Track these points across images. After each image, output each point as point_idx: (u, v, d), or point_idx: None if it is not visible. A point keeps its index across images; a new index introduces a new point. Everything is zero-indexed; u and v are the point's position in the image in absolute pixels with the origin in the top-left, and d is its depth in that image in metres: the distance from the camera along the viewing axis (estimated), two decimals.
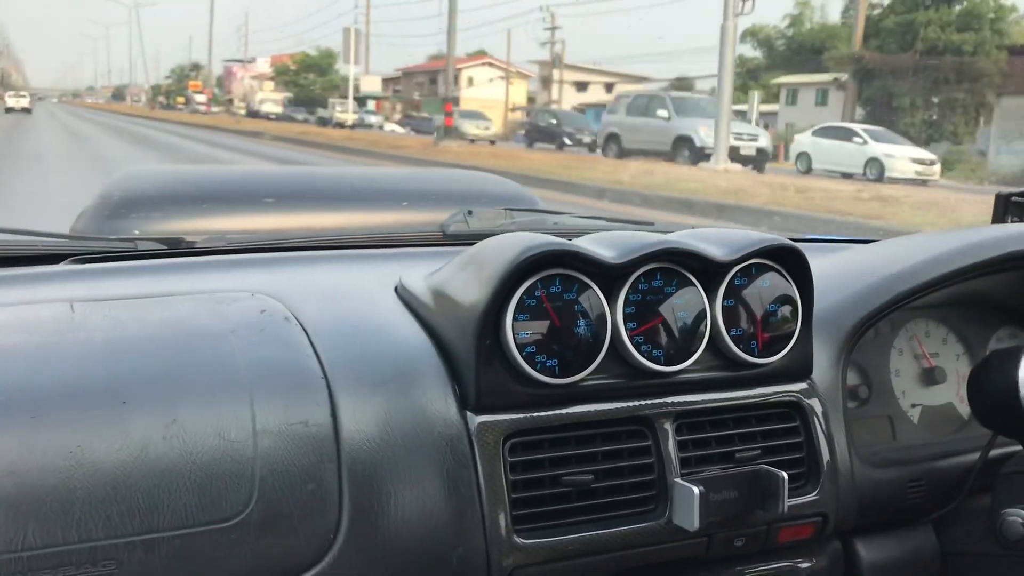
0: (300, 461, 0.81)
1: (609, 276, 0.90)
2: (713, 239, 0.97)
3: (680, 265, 0.94)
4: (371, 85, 58.16)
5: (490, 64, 61.70)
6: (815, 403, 1.02)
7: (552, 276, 0.88)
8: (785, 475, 0.91)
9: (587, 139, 24.96)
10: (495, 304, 0.86)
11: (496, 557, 0.86)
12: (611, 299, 0.91)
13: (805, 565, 1.05)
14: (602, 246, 0.92)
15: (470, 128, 31.73)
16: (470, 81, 61.48)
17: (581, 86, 58.00)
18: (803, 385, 1.02)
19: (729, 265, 0.95)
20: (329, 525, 0.81)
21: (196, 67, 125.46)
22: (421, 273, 0.99)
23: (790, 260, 0.99)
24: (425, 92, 60.97)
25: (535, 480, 0.88)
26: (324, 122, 44.71)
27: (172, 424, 0.78)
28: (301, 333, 0.90)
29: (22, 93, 51.33)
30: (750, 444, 0.98)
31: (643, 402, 0.94)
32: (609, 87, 58.08)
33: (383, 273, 1.05)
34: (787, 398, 1.01)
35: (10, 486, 0.71)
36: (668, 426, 0.94)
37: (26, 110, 43.13)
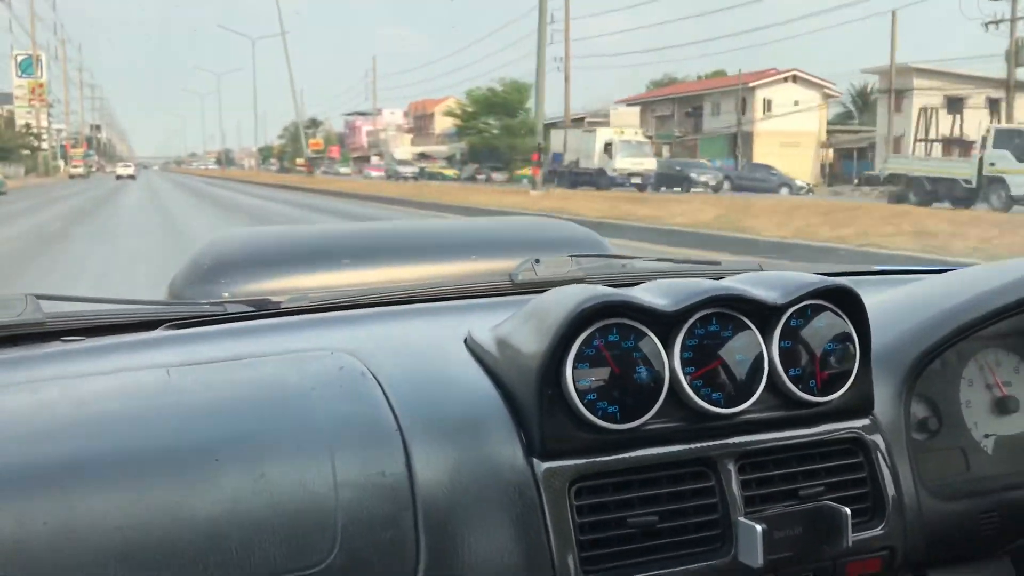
0: (379, 510, 0.87)
1: (665, 323, 0.96)
2: (767, 283, 1.02)
3: (735, 310, 0.98)
4: (625, 119, 31.79)
5: (797, 78, 35.90)
6: (877, 438, 1.06)
7: (609, 326, 0.94)
8: (848, 510, 0.95)
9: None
10: (555, 354, 0.92)
11: None
12: (668, 345, 0.96)
13: None
14: (657, 295, 0.98)
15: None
16: (767, 105, 35.77)
17: (953, 103, 29.78)
18: (865, 421, 1.06)
19: (783, 308, 1.00)
20: (407, 569, 0.87)
21: (314, 123, 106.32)
22: (489, 325, 1.07)
23: (844, 300, 1.03)
24: (686, 126, 33.51)
25: (601, 522, 0.93)
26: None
27: (260, 479, 0.86)
28: (376, 387, 0.97)
29: (128, 164, 70.24)
30: (813, 481, 1.01)
31: (705, 444, 0.98)
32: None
33: (454, 325, 1.14)
34: (849, 434, 1.05)
35: (118, 540, 0.80)
36: (731, 466, 0.98)
37: (132, 177, 57.68)
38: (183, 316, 1.27)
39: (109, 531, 0.80)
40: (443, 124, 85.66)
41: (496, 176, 48.49)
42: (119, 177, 56.83)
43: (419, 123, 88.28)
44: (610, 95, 62.00)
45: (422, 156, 59.48)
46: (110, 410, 0.94)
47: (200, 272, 1.52)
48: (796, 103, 39.41)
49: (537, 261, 1.47)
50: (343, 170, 74.15)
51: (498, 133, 51.59)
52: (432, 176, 47.93)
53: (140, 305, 1.32)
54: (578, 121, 41.09)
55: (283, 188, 35.37)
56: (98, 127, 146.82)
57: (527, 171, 48.60)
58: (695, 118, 40.39)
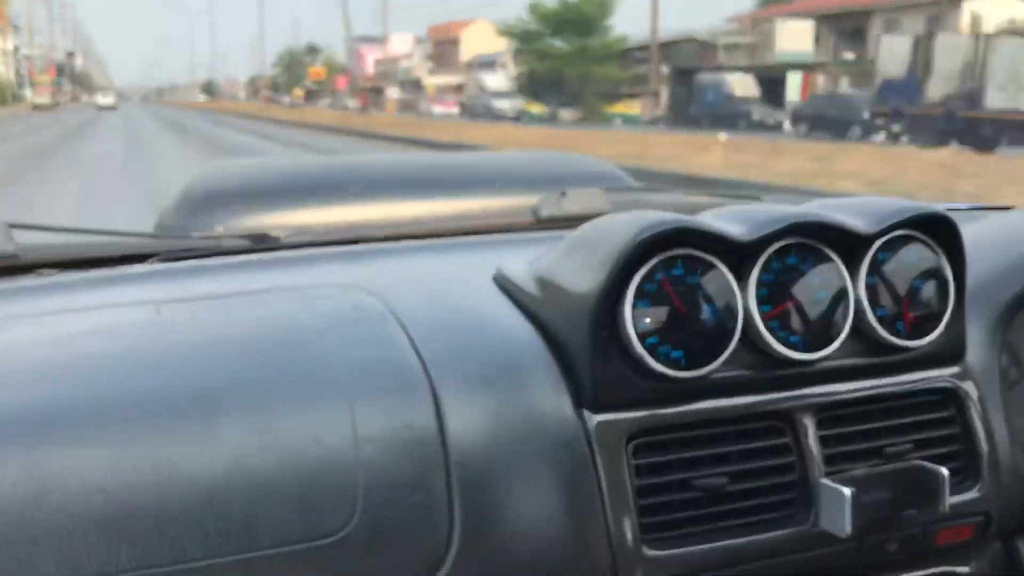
0: (406, 469, 0.79)
1: (738, 255, 0.90)
2: (852, 209, 0.96)
3: (818, 240, 0.93)
4: (796, 38, 16.92)
5: None
6: (970, 388, 1.01)
7: (674, 257, 0.87)
8: (946, 472, 0.91)
9: None
10: (611, 291, 0.85)
11: (624, 571, 0.84)
12: (741, 281, 0.90)
13: (963, 570, 1.03)
14: (729, 221, 0.91)
15: None
16: (976, 23, 22.82)
17: None
18: (956, 369, 1.01)
19: (873, 238, 0.94)
20: (440, 539, 0.79)
21: (313, 50, 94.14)
22: (521, 261, 1.02)
23: (940, 230, 0.97)
24: (842, 52, 18.96)
25: (663, 484, 0.87)
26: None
27: (267, 433, 0.78)
28: (398, 329, 0.89)
29: (108, 93, 72.62)
30: (900, 437, 0.96)
31: (780, 395, 0.92)
32: None
33: (478, 262, 1.08)
34: (939, 384, 1.00)
35: (101, 504, 0.72)
36: (809, 420, 0.92)
37: (113, 107, 61.86)
38: (173, 250, 1.22)
39: (89, 493, 0.72)
40: (472, 51, 72.86)
41: (566, 115, 36.73)
42: (100, 108, 60.49)
43: (440, 50, 75.90)
44: (709, 12, 50.30)
45: (457, 89, 47.54)
46: (91, 352, 0.85)
47: (191, 204, 1.43)
48: (1011, 21, 27.97)
49: (563, 194, 1.39)
50: (351, 103, 62.52)
51: (566, 59, 39.48)
52: (515, 116, 36.22)
53: (126, 237, 1.28)
54: (685, 44, 29.56)
55: (338, 133, 23.82)
56: (72, 54, 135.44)
57: (622, 108, 36.84)
58: (853, 41, 28.92)
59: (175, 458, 0.74)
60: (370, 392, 0.81)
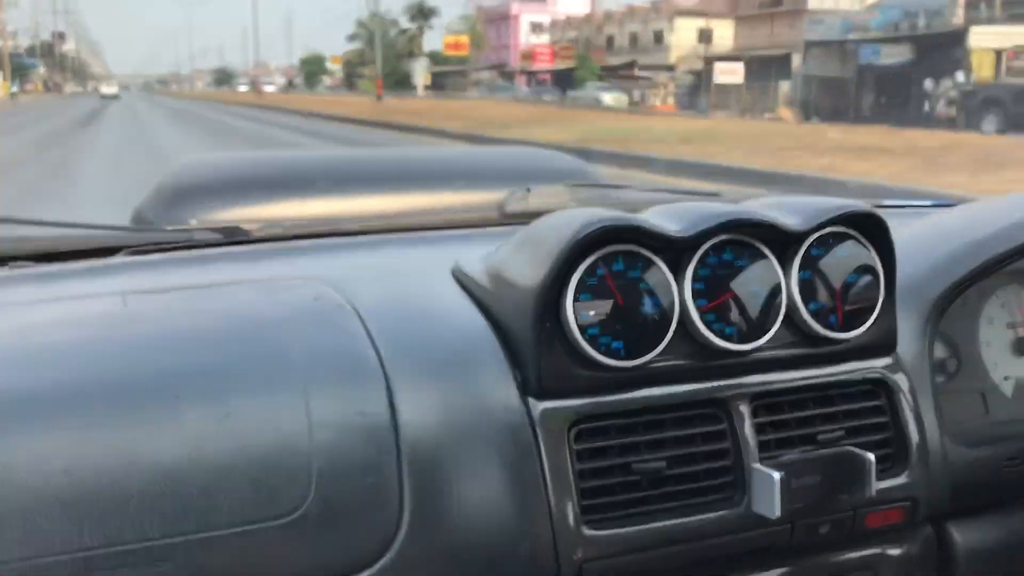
0: (358, 453, 0.89)
1: (676, 250, 1.03)
2: (786, 207, 1.10)
3: (751, 236, 1.06)
4: None
5: None
6: (901, 379, 1.14)
7: (614, 253, 1.00)
8: (872, 457, 1.04)
9: None
10: (554, 284, 0.97)
11: (565, 550, 0.95)
12: (678, 275, 1.03)
13: (895, 552, 1.14)
14: (667, 219, 1.04)
15: None
16: None
17: None
18: (888, 360, 1.14)
19: (804, 235, 1.07)
20: (390, 519, 0.88)
21: (422, 12, 55.47)
22: (479, 255, 1.17)
23: (870, 227, 1.10)
24: None
25: (603, 468, 0.99)
26: None
27: (226, 418, 0.87)
28: (356, 319, 1.02)
29: (113, 83, 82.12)
30: (832, 425, 1.09)
31: (716, 383, 1.04)
32: None
33: (440, 256, 1.21)
34: (871, 375, 1.13)
35: (65, 485, 0.80)
36: (744, 408, 1.05)
37: (116, 96, 66.68)
38: (145, 242, 1.33)
39: (54, 474, 0.79)
40: None
41: None
42: (103, 96, 66.57)
43: None
44: None
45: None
46: (58, 340, 0.96)
47: (165, 198, 1.55)
48: None
49: (528, 190, 1.54)
50: (606, 98, 23.90)
51: None
52: None
53: (97, 230, 1.40)
54: None
55: None
56: (60, 34, 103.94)
57: None
58: None
59: (137, 441, 0.82)
60: (325, 380, 0.91)
